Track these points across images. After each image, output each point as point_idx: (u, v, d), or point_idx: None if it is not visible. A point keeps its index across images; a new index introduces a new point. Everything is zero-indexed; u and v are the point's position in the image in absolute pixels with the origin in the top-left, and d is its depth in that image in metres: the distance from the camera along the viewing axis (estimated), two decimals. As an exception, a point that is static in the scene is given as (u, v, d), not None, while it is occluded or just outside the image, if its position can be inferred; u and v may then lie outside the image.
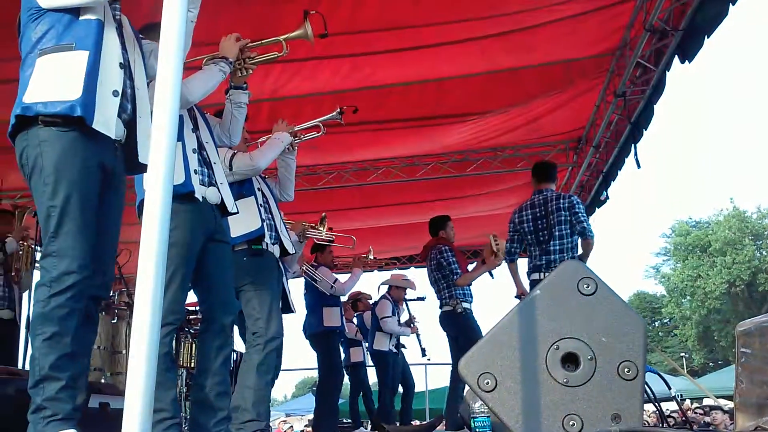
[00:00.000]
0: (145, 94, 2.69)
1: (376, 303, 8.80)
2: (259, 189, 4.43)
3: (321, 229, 5.84)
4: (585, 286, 1.91)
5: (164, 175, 1.13)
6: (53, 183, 2.37)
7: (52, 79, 2.42)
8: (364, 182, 8.62)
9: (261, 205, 4.39)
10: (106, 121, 2.46)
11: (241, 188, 4.32)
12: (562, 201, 5.54)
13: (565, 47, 6.11)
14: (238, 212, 3.73)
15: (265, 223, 4.33)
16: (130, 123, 2.62)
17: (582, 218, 5.48)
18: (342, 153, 8.07)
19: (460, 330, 6.55)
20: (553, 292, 1.93)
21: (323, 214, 6.01)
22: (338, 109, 4.76)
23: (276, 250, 4.44)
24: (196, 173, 3.45)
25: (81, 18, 2.49)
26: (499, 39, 5.77)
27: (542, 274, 5.45)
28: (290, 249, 4.56)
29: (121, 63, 2.55)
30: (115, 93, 2.49)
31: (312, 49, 5.76)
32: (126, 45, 2.64)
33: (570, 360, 1.93)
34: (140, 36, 2.83)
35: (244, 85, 3.82)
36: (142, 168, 2.70)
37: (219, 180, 3.56)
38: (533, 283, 5.49)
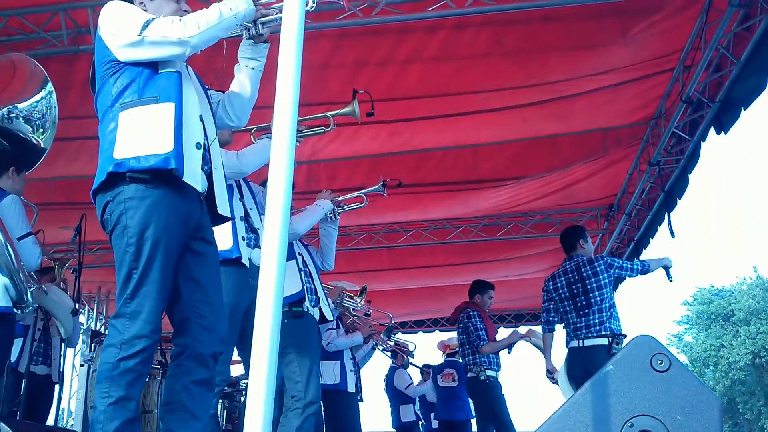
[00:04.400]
0: (217, 146, 2.68)
1: (391, 377, 8.69)
2: (299, 254, 4.47)
3: (358, 300, 5.86)
4: (658, 362, 1.89)
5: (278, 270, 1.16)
6: (137, 244, 2.31)
7: (142, 133, 2.37)
8: (394, 244, 8.66)
9: (301, 269, 4.42)
10: (194, 174, 2.41)
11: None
12: (597, 265, 5.45)
13: (602, 116, 6.20)
14: None
15: (305, 287, 4.36)
16: (208, 175, 2.58)
17: (630, 265, 5.43)
18: (373, 215, 8.13)
19: (482, 398, 6.46)
20: (625, 368, 1.92)
21: (364, 285, 6.03)
22: (381, 182, 4.82)
23: (316, 314, 4.45)
24: (243, 239, 3.50)
25: (161, 71, 2.48)
26: (538, 107, 5.87)
27: (581, 342, 5.36)
28: (328, 316, 4.57)
29: (200, 115, 2.54)
30: (197, 145, 2.46)
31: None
32: (199, 97, 2.65)
33: (644, 438, 1.89)
34: (206, 87, 2.86)
35: None
36: (222, 219, 2.68)
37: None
38: (572, 351, 5.40)
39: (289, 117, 1.20)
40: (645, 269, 5.45)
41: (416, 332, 11.51)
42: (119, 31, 2.47)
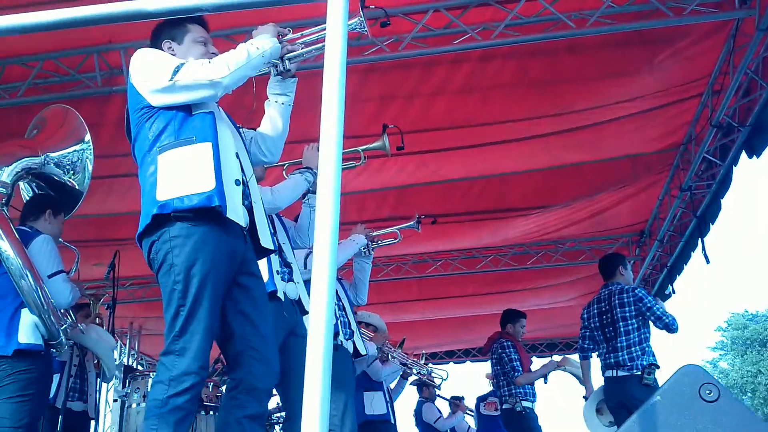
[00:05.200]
0: (255, 181, 2.71)
1: (419, 411, 8.60)
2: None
3: (397, 350, 5.97)
4: (707, 392, 1.86)
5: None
6: (183, 281, 2.32)
7: (182, 173, 2.39)
8: (423, 274, 8.64)
9: (335, 304, 4.43)
10: (236, 210, 2.44)
11: None
12: (626, 295, 5.34)
13: (631, 143, 6.17)
14: None
15: (339, 321, 4.36)
16: (249, 210, 2.60)
17: (658, 312, 5.25)
18: (402, 245, 8.12)
19: (519, 430, 6.36)
20: (673, 398, 1.89)
21: (403, 338, 6.10)
22: (416, 218, 4.86)
23: (350, 347, 4.44)
24: (278, 273, 3.52)
25: (195, 113, 2.52)
26: (566, 135, 5.87)
27: (615, 372, 5.28)
28: (362, 350, 4.56)
29: (236, 153, 2.57)
30: (237, 182, 2.49)
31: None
32: (233, 135, 2.68)
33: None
34: (238, 125, 2.90)
35: None
36: (265, 252, 2.72)
37: (296, 279, 3.63)
38: (607, 381, 5.32)
39: (334, 151, 1.22)
40: (672, 327, 5.27)
41: (447, 363, 11.40)
42: (150, 78, 2.52)
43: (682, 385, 1.91)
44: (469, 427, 9.00)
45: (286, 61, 2.79)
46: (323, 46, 2.75)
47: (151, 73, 2.52)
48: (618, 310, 5.30)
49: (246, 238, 2.59)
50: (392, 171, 6.41)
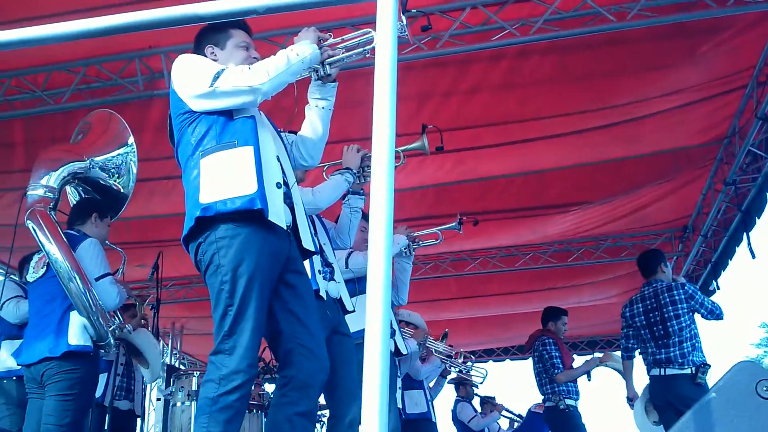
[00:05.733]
0: (296, 184, 2.74)
1: (455, 410, 8.58)
2: None
3: (440, 343, 5.94)
4: (764, 389, 1.82)
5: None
6: (231, 281, 2.35)
7: (225, 176, 2.43)
8: (461, 272, 8.61)
9: None
10: (278, 212, 2.46)
11: (358, 286, 4.39)
12: (676, 292, 5.26)
13: (673, 136, 6.08)
14: (354, 311, 3.77)
15: None
16: (291, 211, 2.62)
17: (709, 305, 5.21)
18: (440, 244, 8.11)
19: (562, 428, 6.29)
20: (729, 396, 1.85)
21: (446, 330, 6.06)
22: (458, 219, 4.84)
23: (391, 345, 4.45)
24: (319, 273, 3.53)
25: (236, 117, 2.54)
26: (606, 131, 5.80)
27: (662, 370, 5.20)
28: (403, 349, 4.56)
29: (277, 156, 2.60)
30: (278, 185, 2.51)
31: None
32: (274, 139, 2.70)
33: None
34: (278, 129, 2.92)
35: (362, 191, 3.90)
36: (306, 253, 2.73)
37: (337, 279, 3.65)
38: (653, 379, 5.24)
39: (387, 150, 1.22)
40: (721, 316, 5.25)
41: (486, 361, 11.33)
42: (191, 83, 2.55)
43: (738, 382, 1.87)
44: (500, 428, 8.95)
45: (327, 66, 2.80)
46: (364, 50, 2.78)
47: (192, 79, 2.55)
48: (670, 308, 5.23)
49: (290, 237, 2.61)
50: (430, 169, 6.40)
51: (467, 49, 4.96)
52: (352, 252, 4.39)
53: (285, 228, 2.53)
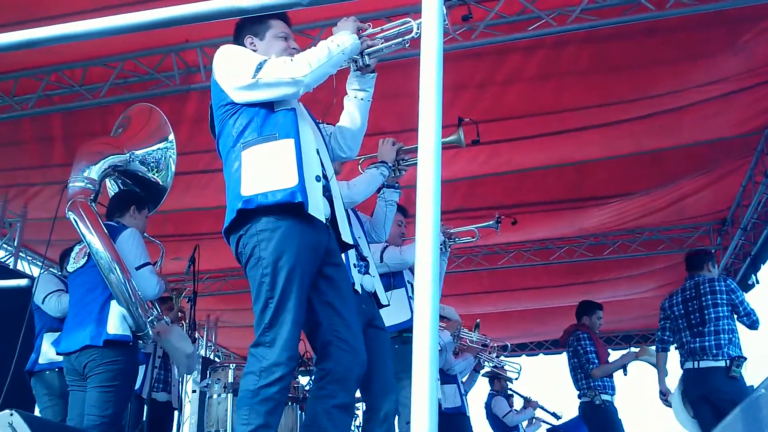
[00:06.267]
0: (334, 177, 2.74)
1: (489, 404, 8.53)
2: (409, 282, 4.48)
3: (473, 333, 5.90)
4: (815, 385, 1.78)
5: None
6: (271, 274, 2.35)
7: (266, 169, 2.43)
8: (494, 266, 8.56)
9: (411, 297, 4.42)
10: (317, 205, 2.46)
11: (393, 280, 4.39)
12: (717, 284, 5.18)
13: (712, 127, 5.97)
14: (388, 305, 3.76)
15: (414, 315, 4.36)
16: (330, 204, 2.62)
17: (748, 307, 5.11)
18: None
19: (598, 423, 6.22)
20: (779, 392, 1.81)
21: (477, 320, 6.01)
22: (496, 218, 4.80)
23: None
24: (355, 266, 3.53)
25: (277, 110, 2.54)
26: (644, 121, 5.71)
27: (696, 363, 5.12)
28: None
29: (316, 149, 2.60)
30: (317, 178, 2.51)
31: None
32: (314, 131, 2.70)
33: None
34: (317, 121, 2.90)
35: (397, 185, 3.88)
36: (346, 246, 2.73)
37: (372, 272, 3.64)
38: (687, 373, 5.17)
39: (433, 144, 1.21)
40: (756, 325, 5.16)
41: (519, 356, 11.29)
42: (234, 75, 2.55)
43: (789, 377, 1.82)
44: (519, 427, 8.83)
45: (366, 57, 2.78)
46: (403, 40, 2.76)
47: (235, 71, 2.55)
48: (709, 297, 5.16)
49: (329, 230, 2.60)
50: (464, 161, 6.36)
51: (503, 39, 4.91)
52: (387, 246, 4.38)
53: (324, 221, 2.53)
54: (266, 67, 2.49)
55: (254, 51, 2.69)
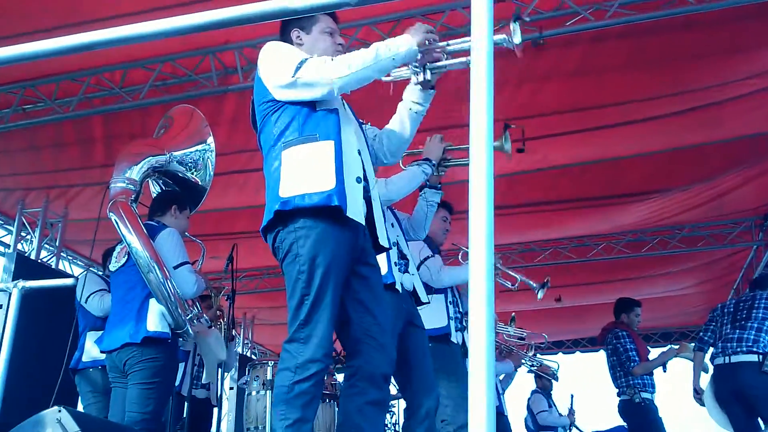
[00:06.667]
0: (374, 177, 2.72)
1: (530, 398, 8.48)
2: (449, 288, 4.48)
3: (510, 327, 5.88)
4: None
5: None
6: (308, 271, 2.36)
7: (304, 171, 2.43)
8: (530, 263, 8.49)
9: (450, 302, 4.42)
10: (356, 208, 2.45)
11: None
12: None
13: (754, 121, 5.85)
14: (429, 302, 3.75)
15: (451, 321, 4.36)
16: (368, 205, 2.61)
17: None
18: (509, 234, 8.03)
19: (638, 422, 6.15)
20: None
21: (513, 314, 5.98)
22: (543, 282, 4.83)
23: (459, 338, 4.44)
24: (395, 265, 3.52)
25: (319, 109, 2.52)
26: (683, 116, 5.63)
27: (727, 358, 5.08)
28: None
29: (358, 150, 2.58)
30: (358, 180, 2.50)
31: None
32: (356, 132, 2.68)
33: None
34: (360, 121, 2.88)
35: (439, 185, 3.81)
36: (380, 249, 2.72)
37: (411, 271, 3.63)
38: (718, 369, 5.16)
39: (485, 142, 1.20)
40: None
41: (555, 353, 11.21)
42: (275, 72, 2.54)
43: None
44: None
45: (428, 71, 2.70)
46: (468, 60, 2.58)
47: (277, 68, 2.55)
48: (763, 302, 5.20)
49: (364, 231, 2.59)
50: (500, 159, 6.29)
51: (540, 36, 4.86)
52: (430, 258, 4.37)
53: (362, 222, 2.53)
54: (305, 66, 2.48)
55: (300, 45, 2.68)
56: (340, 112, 2.58)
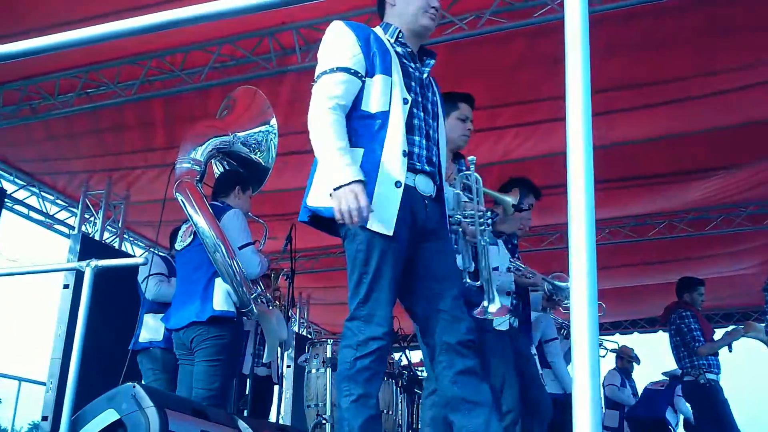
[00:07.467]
0: (443, 162, 2.66)
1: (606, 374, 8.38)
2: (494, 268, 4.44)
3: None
4: None
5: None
6: (366, 251, 2.34)
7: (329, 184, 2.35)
8: (590, 243, 8.35)
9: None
10: (386, 216, 2.35)
11: None
12: None
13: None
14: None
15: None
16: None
17: None
18: (564, 213, 7.89)
19: (703, 403, 6.02)
20: None
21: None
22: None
23: (505, 326, 4.39)
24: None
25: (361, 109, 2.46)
26: (753, 90, 5.43)
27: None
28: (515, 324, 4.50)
29: (403, 151, 2.43)
30: (398, 184, 2.39)
31: (548, 111, 5.83)
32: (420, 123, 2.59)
33: None
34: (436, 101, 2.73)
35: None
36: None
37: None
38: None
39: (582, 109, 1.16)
40: None
41: (613, 334, 11.05)
42: (320, 61, 2.50)
43: None
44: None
45: None
46: None
47: (321, 57, 2.50)
48: None
49: (427, 207, 2.52)
50: (559, 136, 6.19)
51: (601, 9, 4.75)
52: None
53: (426, 195, 2.51)
54: (321, 80, 2.43)
55: (393, 6, 2.62)
56: (388, 113, 2.44)
